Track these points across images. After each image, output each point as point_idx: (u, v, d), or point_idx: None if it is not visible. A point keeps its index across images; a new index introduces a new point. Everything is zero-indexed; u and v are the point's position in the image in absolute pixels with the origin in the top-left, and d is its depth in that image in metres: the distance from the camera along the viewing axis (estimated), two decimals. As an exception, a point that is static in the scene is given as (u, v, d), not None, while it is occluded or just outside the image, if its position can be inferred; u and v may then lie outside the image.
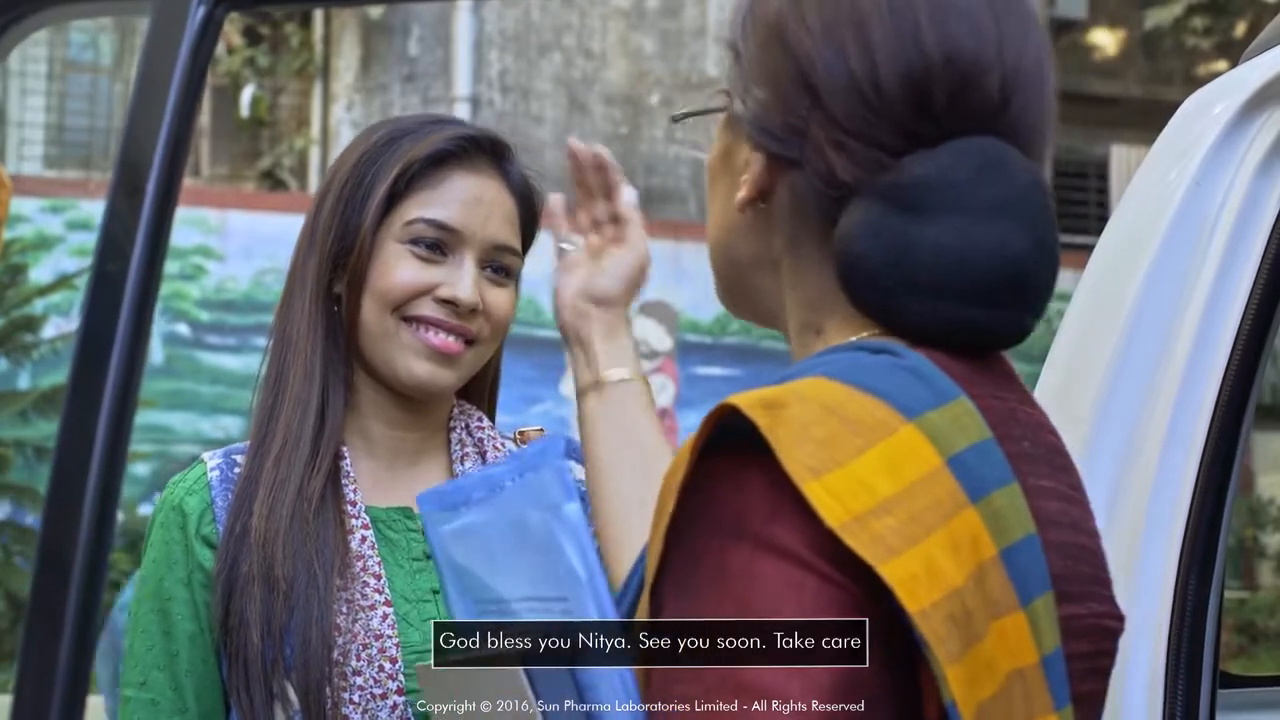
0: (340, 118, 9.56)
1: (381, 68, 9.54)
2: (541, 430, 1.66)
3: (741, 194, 1.00)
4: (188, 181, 9.61)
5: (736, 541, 0.84)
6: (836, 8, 0.95)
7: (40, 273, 7.89)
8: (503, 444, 1.61)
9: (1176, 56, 11.28)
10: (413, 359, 1.50)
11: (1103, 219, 11.41)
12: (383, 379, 1.53)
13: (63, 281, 7.53)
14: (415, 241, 1.50)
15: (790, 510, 0.83)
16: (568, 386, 8.88)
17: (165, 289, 8.25)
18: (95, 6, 0.85)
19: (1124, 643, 1.33)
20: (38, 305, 7.73)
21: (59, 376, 7.80)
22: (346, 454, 1.52)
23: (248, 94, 9.46)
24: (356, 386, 1.54)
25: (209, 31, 0.78)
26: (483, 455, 1.59)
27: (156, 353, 8.06)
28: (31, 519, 7.52)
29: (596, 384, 1.31)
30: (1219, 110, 1.42)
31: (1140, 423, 1.36)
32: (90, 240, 8.08)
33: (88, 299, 0.79)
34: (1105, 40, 11.84)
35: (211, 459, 1.54)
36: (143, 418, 7.43)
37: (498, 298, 1.53)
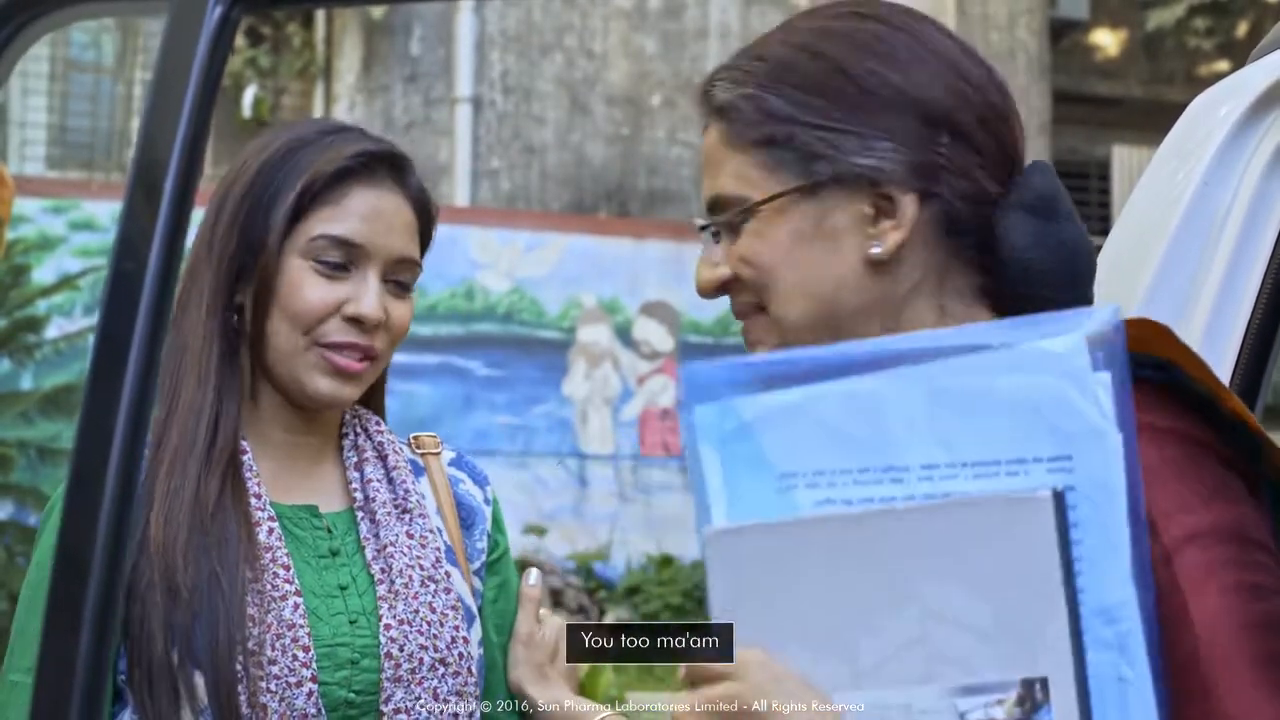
0: (342, 118, 9.56)
1: (383, 68, 9.54)
2: (435, 436, 1.70)
3: (895, 238, 1.07)
4: (190, 182, 9.59)
5: None
6: (923, 58, 1.09)
7: (43, 273, 7.88)
8: (401, 447, 1.64)
9: (1178, 57, 11.28)
10: (317, 376, 1.52)
11: (1104, 219, 11.43)
12: (285, 391, 1.55)
13: (66, 282, 7.52)
14: (320, 258, 1.52)
15: None
16: (569, 386, 8.91)
17: (168, 289, 8.15)
18: (111, 6, 0.86)
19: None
20: (40, 306, 7.71)
21: (62, 377, 7.79)
22: (248, 449, 1.54)
23: (249, 94, 9.47)
24: (258, 391, 1.56)
25: (225, 31, 0.78)
26: (383, 459, 1.61)
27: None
28: (35, 519, 7.52)
29: None
30: (1225, 111, 1.42)
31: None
32: (93, 240, 8.08)
33: (105, 298, 0.80)
34: (1107, 41, 11.84)
35: None
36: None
37: (399, 310, 1.56)
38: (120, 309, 0.78)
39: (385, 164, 1.56)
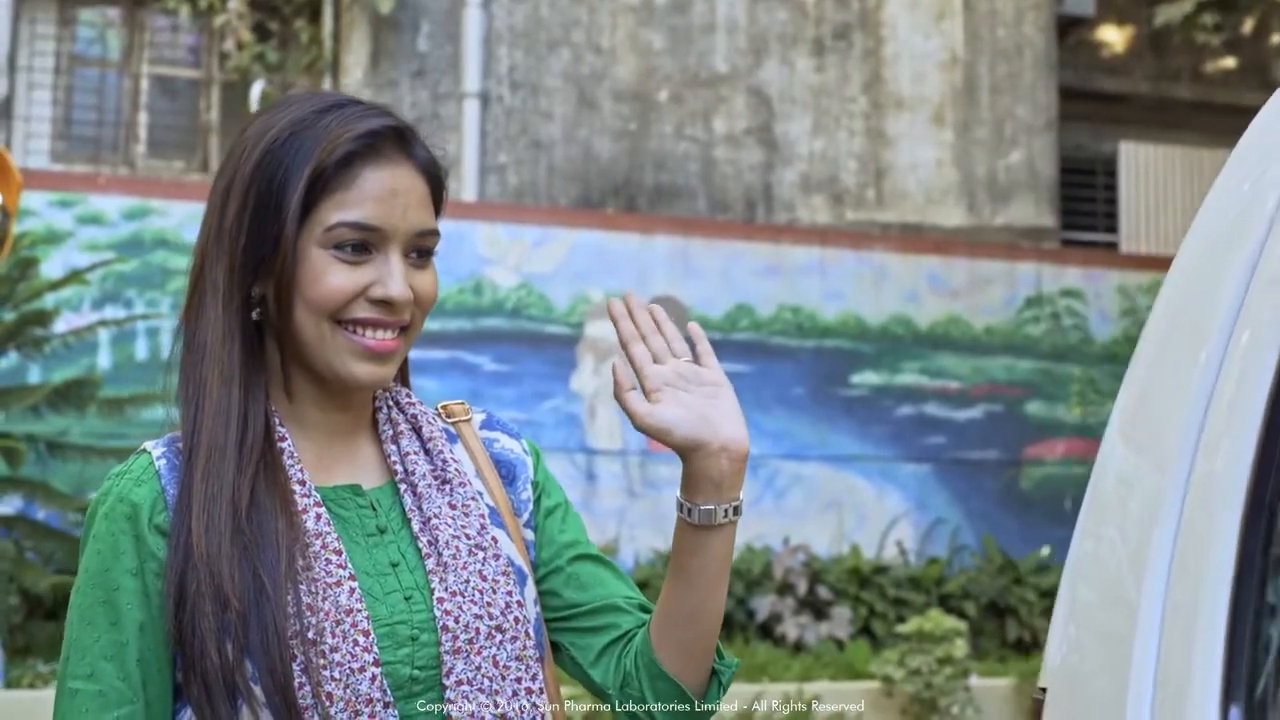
0: (348, 113, 9.52)
1: (391, 64, 9.51)
2: (464, 403, 1.69)
3: None
4: (195, 176, 9.57)
5: None
6: None
7: (50, 267, 7.85)
8: (434, 417, 1.63)
9: (1185, 53, 11.26)
10: (352, 362, 1.51)
11: (1110, 215, 11.40)
12: (319, 376, 1.53)
13: (74, 276, 7.48)
14: (339, 246, 1.49)
15: None
16: (577, 382, 8.88)
17: (171, 284, 8.20)
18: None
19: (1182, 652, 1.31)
20: (48, 300, 7.69)
21: (70, 371, 7.77)
22: (287, 435, 1.52)
23: (257, 89, 9.42)
24: (290, 376, 1.54)
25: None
26: (418, 430, 1.60)
27: (167, 350, 8.00)
28: (44, 514, 7.50)
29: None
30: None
31: (1221, 431, 1.33)
32: (100, 235, 8.05)
33: None
34: (1113, 37, 11.81)
35: (155, 448, 1.53)
36: (151, 414, 7.41)
37: (424, 280, 1.54)
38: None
39: (390, 139, 1.52)
